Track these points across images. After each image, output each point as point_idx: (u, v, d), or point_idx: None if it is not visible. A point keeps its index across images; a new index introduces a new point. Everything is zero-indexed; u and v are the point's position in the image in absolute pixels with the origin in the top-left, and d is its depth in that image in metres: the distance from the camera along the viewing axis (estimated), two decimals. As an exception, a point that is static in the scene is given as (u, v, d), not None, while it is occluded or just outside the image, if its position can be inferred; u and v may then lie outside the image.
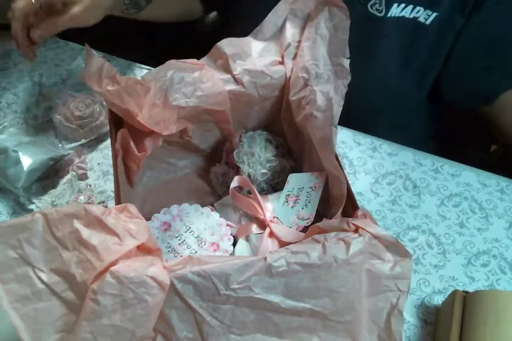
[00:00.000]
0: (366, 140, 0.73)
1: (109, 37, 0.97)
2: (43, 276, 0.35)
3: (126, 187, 0.55)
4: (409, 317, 0.56)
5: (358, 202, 0.48)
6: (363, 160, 0.71)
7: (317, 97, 0.51)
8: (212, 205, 0.59)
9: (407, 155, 0.71)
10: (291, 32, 0.55)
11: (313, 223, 0.48)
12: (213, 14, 1.03)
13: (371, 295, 0.41)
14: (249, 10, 0.73)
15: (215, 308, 0.37)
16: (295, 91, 0.54)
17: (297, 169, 0.61)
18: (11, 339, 0.46)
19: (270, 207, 0.55)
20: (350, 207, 0.48)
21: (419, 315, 0.56)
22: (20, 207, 0.65)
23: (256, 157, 0.59)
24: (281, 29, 0.56)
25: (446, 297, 0.55)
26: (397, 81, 0.74)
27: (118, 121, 0.54)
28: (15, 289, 0.35)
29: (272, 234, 0.52)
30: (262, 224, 0.54)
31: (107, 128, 0.72)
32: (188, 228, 0.54)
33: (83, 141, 0.71)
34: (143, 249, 0.37)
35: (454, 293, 0.52)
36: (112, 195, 0.66)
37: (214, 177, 0.63)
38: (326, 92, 0.50)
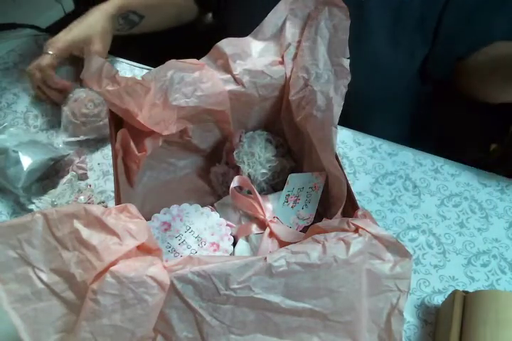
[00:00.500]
0: (366, 140, 0.73)
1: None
2: (43, 276, 0.35)
3: (126, 187, 0.55)
4: (409, 317, 0.56)
5: (358, 202, 0.48)
6: (363, 160, 0.71)
7: (317, 97, 0.51)
8: (212, 205, 0.59)
9: (407, 155, 0.71)
10: (291, 32, 0.55)
11: (313, 223, 0.49)
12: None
13: (371, 295, 0.41)
14: (248, 10, 0.73)
15: (215, 308, 0.37)
16: (295, 91, 0.54)
17: (297, 169, 0.61)
18: (11, 339, 0.46)
19: (270, 207, 0.55)
20: (350, 207, 0.48)
21: (419, 315, 0.56)
22: (20, 207, 0.65)
23: (256, 157, 0.59)
24: (281, 29, 0.56)
25: (446, 297, 0.55)
26: (388, 61, 0.73)
27: (118, 121, 0.54)
28: (15, 289, 0.35)
29: (272, 234, 0.52)
30: (262, 224, 0.54)
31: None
32: (188, 228, 0.54)
33: (82, 137, 0.71)
34: (143, 249, 0.37)
35: (454, 293, 0.52)
36: (112, 195, 0.66)
37: (214, 177, 0.63)
38: (326, 92, 0.50)
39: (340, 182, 0.48)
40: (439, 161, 0.70)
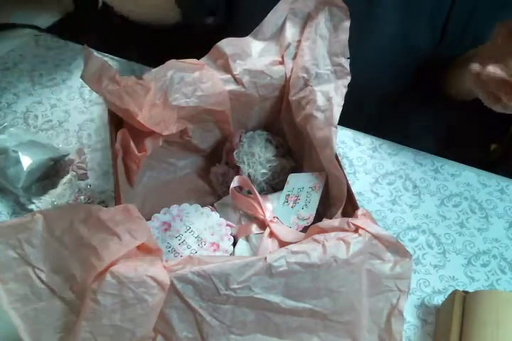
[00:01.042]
0: (366, 140, 0.73)
1: (108, 37, 0.97)
2: (43, 276, 0.35)
3: (126, 187, 0.55)
4: (409, 317, 0.56)
5: (358, 202, 0.48)
6: (363, 160, 0.71)
7: (317, 97, 0.51)
8: (212, 205, 0.59)
9: (407, 155, 0.71)
10: (291, 32, 0.55)
11: (313, 223, 0.48)
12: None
13: (371, 295, 0.41)
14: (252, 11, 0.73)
15: (215, 308, 0.37)
16: (295, 91, 0.54)
17: (297, 169, 0.61)
18: (11, 339, 0.46)
19: (270, 207, 0.55)
20: (350, 207, 0.48)
21: (419, 315, 0.56)
22: (20, 207, 0.65)
23: (256, 157, 0.59)
24: (281, 29, 0.56)
25: (446, 297, 0.55)
26: (395, 58, 0.73)
27: (118, 121, 0.54)
28: (15, 289, 0.35)
29: (272, 234, 0.52)
30: (262, 224, 0.54)
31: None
32: (188, 228, 0.54)
33: None
34: (143, 249, 0.37)
35: (454, 293, 0.52)
36: (112, 195, 0.66)
37: (214, 177, 0.63)
38: (326, 92, 0.50)
39: (340, 182, 0.48)
40: (439, 161, 0.70)
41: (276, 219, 0.53)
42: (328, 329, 0.40)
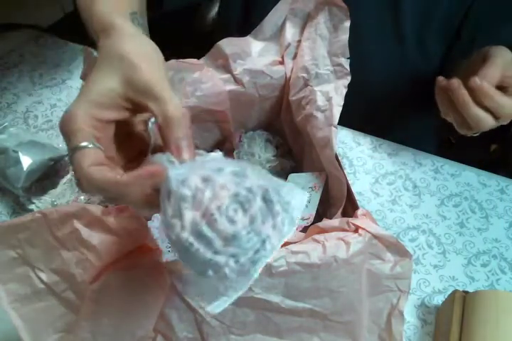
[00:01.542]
0: (366, 140, 0.73)
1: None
2: (43, 276, 0.36)
3: (126, 187, 0.55)
4: (409, 317, 0.56)
5: (358, 202, 0.48)
6: (363, 160, 0.70)
7: (317, 97, 0.51)
8: (212, 205, 0.59)
9: (407, 155, 0.71)
10: (291, 32, 0.55)
11: (313, 223, 0.48)
12: (213, 13, 1.03)
13: (371, 295, 0.41)
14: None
15: (215, 308, 0.37)
16: (295, 91, 0.54)
17: (297, 169, 0.61)
18: (11, 339, 0.46)
19: (270, 207, 0.55)
20: (350, 207, 0.48)
21: (419, 315, 0.56)
22: (20, 207, 0.65)
23: (256, 157, 0.59)
24: (281, 29, 0.56)
25: (446, 297, 0.55)
26: (413, 62, 0.74)
27: (118, 121, 0.54)
28: (15, 289, 0.35)
29: (272, 234, 0.52)
30: (262, 224, 0.54)
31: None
32: (188, 228, 0.54)
33: None
34: (143, 249, 0.37)
35: (454, 293, 0.52)
36: (112, 195, 0.66)
37: (214, 177, 0.63)
38: (326, 92, 0.50)
39: (340, 182, 0.48)
40: (439, 161, 0.70)
41: (276, 219, 0.53)
42: (328, 329, 0.40)
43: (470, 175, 0.69)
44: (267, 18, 0.55)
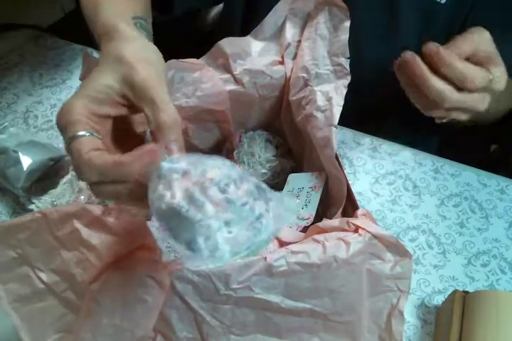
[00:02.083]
0: (366, 140, 0.73)
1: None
2: (43, 276, 0.35)
3: (126, 187, 0.55)
4: (409, 317, 0.55)
5: (358, 202, 0.48)
6: (363, 160, 0.70)
7: (317, 97, 0.51)
8: (212, 205, 0.59)
9: (407, 155, 0.71)
10: (291, 32, 0.55)
11: (313, 223, 0.48)
12: (214, 13, 1.03)
13: (371, 295, 0.41)
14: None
15: (215, 308, 0.37)
16: (295, 91, 0.54)
17: (297, 169, 0.61)
18: (11, 339, 0.46)
19: (270, 207, 0.55)
20: (350, 207, 0.48)
21: (419, 315, 0.56)
22: (20, 207, 0.65)
23: (256, 157, 0.59)
24: (281, 29, 0.56)
25: (446, 297, 0.55)
26: None
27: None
28: (15, 289, 0.35)
29: (272, 234, 0.52)
30: (262, 224, 0.54)
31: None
32: (188, 228, 0.54)
33: None
34: (143, 249, 0.37)
35: (454, 293, 0.52)
36: (112, 194, 0.66)
37: (214, 177, 0.63)
38: (326, 92, 0.50)
39: (340, 182, 0.48)
40: (439, 161, 0.70)
41: (276, 219, 0.53)
42: (328, 330, 0.40)
43: (470, 175, 0.69)
44: (266, 18, 0.55)
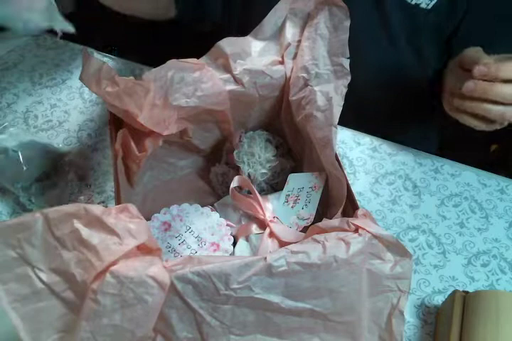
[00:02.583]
0: (366, 140, 0.73)
1: (109, 37, 0.97)
2: (43, 276, 0.35)
3: (126, 187, 0.55)
4: (410, 317, 0.56)
5: (358, 202, 0.48)
6: (363, 160, 0.71)
7: (317, 97, 0.51)
8: (212, 205, 0.59)
9: (407, 155, 0.71)
10: (291, 32, 0.55)
11: (313, 223, 0.48)
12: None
13: (372, 295, 0.41)
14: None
15: (215, 308, 0.37)
16: (295, 91, 0.54)
17: (297, 169, 0.61)
18: (11, 339, 0.46)
19: (270, 207, 0.55)
20: (350, 207, 0.48)
21: (419, 315, 0.56)
22: (20, 207, 0.65)
23: (256, 157, 0.59)
24: (281, 29, 0.56)
25: (446, 297, 0.55)
26: (408, 67, 0.74)
27: (118, 122, 0.54)
28: (14, 289, 0.35)
29: (272, 234, 0.52)
30: (262, 224, 0.54)
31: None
32: (188, 228, 0.54)
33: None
34: (143, 249, 0.37)
35: (454, 293, 0.52)
36: (112, 194, 0.66)
37: (214, 177, 0.63)
38: (326, 92, 0.50)
39: (340, 182, 0.48)
40: (439, 161, 0.70)
41: (276, 219, 0.53)
42: (328, 330, 0.40)
43: (470, 175, 0.69)
44: (266, 17, 0.55)
